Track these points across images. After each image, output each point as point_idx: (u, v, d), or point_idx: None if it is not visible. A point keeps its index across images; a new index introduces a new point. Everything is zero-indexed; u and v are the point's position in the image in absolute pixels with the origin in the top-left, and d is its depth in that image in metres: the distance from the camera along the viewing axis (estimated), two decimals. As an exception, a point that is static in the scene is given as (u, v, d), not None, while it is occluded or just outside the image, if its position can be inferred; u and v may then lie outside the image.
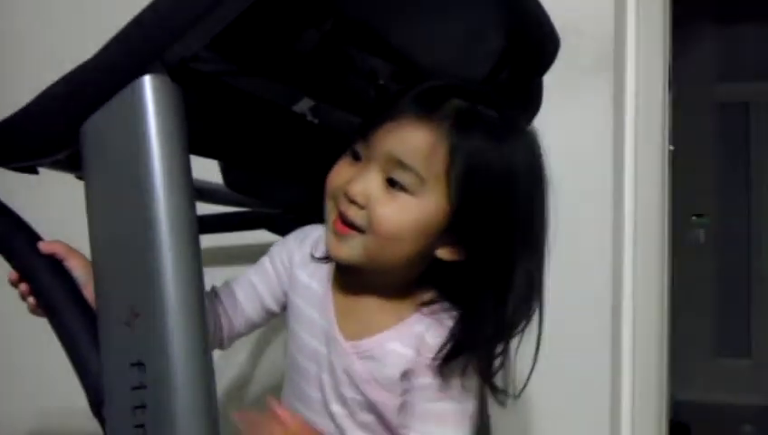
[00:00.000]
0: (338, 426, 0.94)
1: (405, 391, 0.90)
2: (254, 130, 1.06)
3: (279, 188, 1.24)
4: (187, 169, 0.75)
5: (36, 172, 0.86)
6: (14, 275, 0.85)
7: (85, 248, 0.79)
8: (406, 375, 0.90)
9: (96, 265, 0.77)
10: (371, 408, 0.92)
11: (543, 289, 0.90)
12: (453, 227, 0.87)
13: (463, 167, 0.85)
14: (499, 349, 0.90)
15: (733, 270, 3.61)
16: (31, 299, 0.84)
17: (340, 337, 0.93)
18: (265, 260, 1.02)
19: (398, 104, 0.88)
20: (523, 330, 0.90)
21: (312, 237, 0.99)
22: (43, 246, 0.83)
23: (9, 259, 0.84)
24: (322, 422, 0.94)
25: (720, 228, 3.62)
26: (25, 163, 0.83)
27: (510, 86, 1.04)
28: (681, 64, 2.52)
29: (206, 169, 1.08)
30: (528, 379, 0.93)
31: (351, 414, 0.93)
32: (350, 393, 0.92)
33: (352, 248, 0.88)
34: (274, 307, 1.02)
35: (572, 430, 1.63)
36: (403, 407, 0.91)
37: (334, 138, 0.94)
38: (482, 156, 0.85)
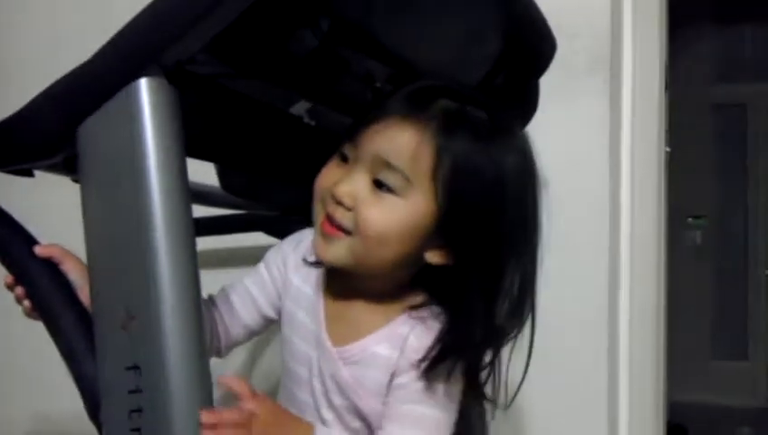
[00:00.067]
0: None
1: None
2: (251, 133, 1.06)
3: (275, 191, 1.24)
4: (183, 171, 0.74)
5: (32, 175, 0.86)
6: (9, 278, 0.85)
7: (81, 252, 0.79)
8: (392, 378, 0.89)
9: (92, 268, 0.77)
10: (359, 414, 0.91)
11: (535, 294, 0.89)
12: (441, 230, 0.86)
13: (450, 168, 0.84)
14: (489, 356, 0.89)
15: (730, 271, 3.62)
16: (26, 302, 0.84)
17: (327, 343, 0.93)
18: (261, 266, 1.02)
19: (385, 105, 0.88)
20: (515, 337, 0.89)
21: (306, 241, 0.98)
22: (39, 250, 0.83)
23: (5, 263, 0.84)
24: None
25: (717, 230, 3.63)
26: (21, 166, 0.83)
27: (506, 88, 1.04)
28: (678, 65, 2.53)
29: (203, 172, 1.08)
30: (520, 385, 0.92)
31: (341, 420, 0.92)
32: (338, 400, 0.92)
33: (339, 250, 0.87)
34: (271, 313, 1.01)
35: (570, 431, 1.64)
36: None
37: (331, 140, 0.94)
38: (469, 157, 0.84)
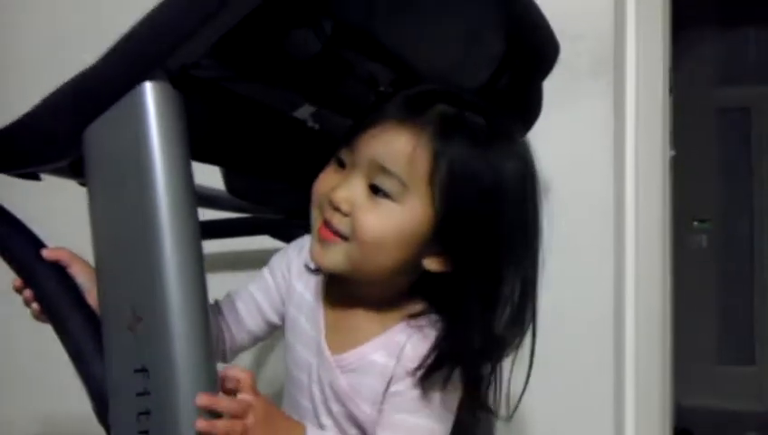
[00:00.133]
0: None
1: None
2: (256, 137, 1.07)
3: (280, 194, 1.24)
4: (188, 174, 0.75)
5: (39, 179, 0.87)
6: (18, 281, 0.85)
7: (88, 255, 0.79)
8: (388, 386, 0.88)
9: (99, 270, 0.77)
10: (356, 422, 0.91)
11: (536, 301, 0.88)
12: (439, 236, 0.85)
13: (446, 173, 0.83)
14: (489, 367, 0.88)
15: (735, 275, 3.60)
16: (35, 305, 0.84)
17: (326, 350, 0.92)
18: (265, 271, 1.02)
19: (382, 110, 0.87)
20: (516, 346, 0.88)
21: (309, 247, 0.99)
22: (46, 253, 0.83)
23: (13, 266, 0.84)
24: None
25: (722, 233, 3.61)
26: (28, 170, 0.84)
27: (510, 91, 1.05)
28: (682, 68, 2.52)
29: (208, 175, 1.08)
30: (522, 394, 0.92)
31: (339, 427, 0.92)
32: (335, 407, 0.92)
33: (336, 256, 0.86)
34: (276, 319, 1.01)
35: (576, 436, 1.63)
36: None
37: (334, 144, 0.94)
38: (466, 162, 0.84)
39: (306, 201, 0.91)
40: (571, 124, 1.54)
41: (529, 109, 1.15)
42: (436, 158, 0.83)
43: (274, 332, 1.03)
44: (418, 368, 0.86)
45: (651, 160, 1.65)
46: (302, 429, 0.86)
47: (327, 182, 0.88)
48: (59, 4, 1.92)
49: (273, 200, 1.29)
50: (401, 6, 0.90)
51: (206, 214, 0.95)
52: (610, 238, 1.60)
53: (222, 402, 0.74)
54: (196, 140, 0.76)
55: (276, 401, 1.00)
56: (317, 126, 1.12)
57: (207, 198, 1.25)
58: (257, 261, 1.06)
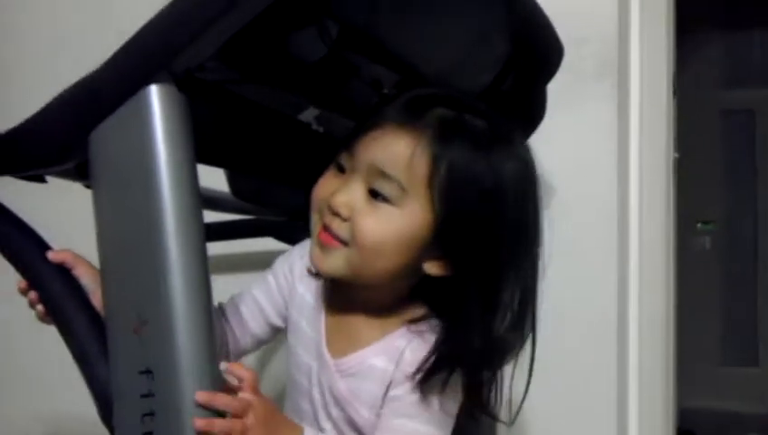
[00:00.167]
0: None
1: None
2: (260, 139, 1.07)
3: (284, 196, 1.24)
4: (193, 177, 0.75)
5: (45, 181, 0.87)
6: (23, 283, 0.85)
7: (93, 257, 0.80)
8: (387, 390, 0.88)
9: (104, 272, 0.77)
10: (354, 426, 0.91)
11: (537, 305, 0.88)
12: (439, 240, 0.85)
13: (446, 176, 0.82)
14: (489, 373, 0.88)
15: (739, 276, 3.60)
16: (40, 307, 0.85)
17: (327, 354, 0.92)
18: (269, 274, 1.02)
19: (381, 114, 0.87)
20: (518, 351, 0.88)
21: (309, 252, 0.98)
22: (51, 255, 0.84)
23: (18, 268, 0.84)
24: None
25: (726, 235, 3.61)
26: (34, 172, 0.84)
27: (514, 94, 1.05)
28: (686, 70, 2.52)
29: (213, 178, 1.09)
30: (524, 398, 0.91)
31: (339, 431, 0.92)
32: (335, 411, 0.92)
33: (336, 261, 0.86)
34: (279, 322, 1.01)
35: (579, 437, 1.63)
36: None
37: (339, 146, 0.94)
38: (466, 165, 0.83)
39: (308, 204, 0.91)
40: (576, 127, 1.54)
41: (533, 111, 1.15)
42: (435, 161, 0.83)
43: (278, 335, 1.03)
44: (417, 371, 0.85)
45: (655, 163, 1.65)
46: (301, 431, 0.85)
47: (326, 187, 0.88)
48: (59, 4, 1.92)
49: (277, 202, 1.29)
50: (406, 9, 0.90)
51: (210, 216, 0.95)
52: (614, 241, 1.60)
53: (221, 400, 0.74)
54: (201, 142, 0.76)
55: (279, 403, 1.01)
56: (321, 129, 1.13)
57: (211, 200, 1.26)
58: (261, 263, 1.06)
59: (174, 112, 0.73)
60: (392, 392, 0.87)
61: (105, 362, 0.76)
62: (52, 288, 0.82)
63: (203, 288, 0.74)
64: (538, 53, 1.06)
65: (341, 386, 0.90)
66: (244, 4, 0.70)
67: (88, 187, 0.79)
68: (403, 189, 0.83)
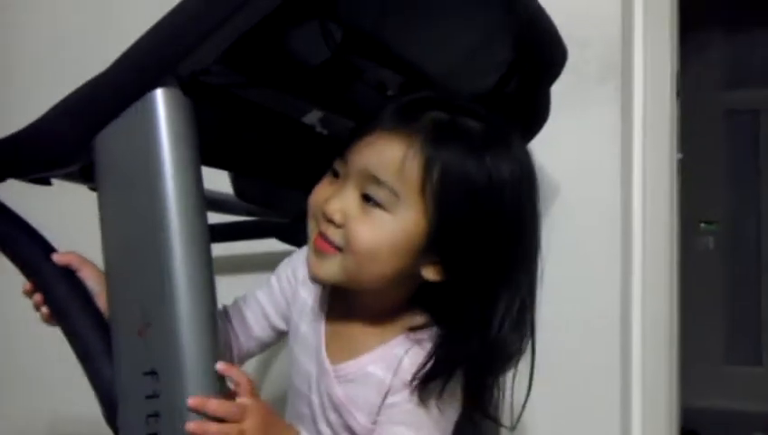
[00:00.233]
0: None
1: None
2: (264, 142, 1.07)
3: (288, 198, 1.24)
4: (198, 179, 0.76)
5: (50, 184, 0.87)
6: (28, 285, 0.85)
7: (98, 259, 0.80)
8: (384, 398, 0.87)
9: (109, 275, 0.78)
10: (352, 432, 0.90)
11: (535, 308, 0.87)
12: (434, 245, 0.84)
13: (439, 180, 0.82)
14: (490, 379, 0.88)
15: (742, 276, 3.59)
16: (44, 309, 0.85)
17: (326, 360, 0.92)
18: (272, 278, 1.02)
19: (375, 119, 0.86)
20: (519, 354, 0.87)
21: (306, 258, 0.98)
22: (56, 257, 0.84)
23: (23, 270, 0.85)
24: None
25: (729, 235, 3.60)
26: (39, 175, 0.85)
27: (518, 96, 1.05)
28: (689, 71, 2.52)
29: (217, 180, 1.09)
30: (525, 402, 0.91)
31: None
32: (333, 417, 0.91)
33: (332, 267, 0.86)
34: (282, 325, 1.01)
35: (582, 438, 1.63)
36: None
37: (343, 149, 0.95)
38: (460, 168, 0.82)
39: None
40: (579, 130, 1.54)
41: (536, 114, 1.15)
42: (427, 165, 0.82)
43: (282, 337, 1.04)
44: (415, 377, 0.85)
45: (659, 164, 1.64)
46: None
47: (321, 193, 0.88)
48: (60, 4, 1.92)
49: (281, 204, 1.29)
50: (410, 12, 0.90)
51: (214, 217, 0.95)
52: (618, 242, 1.60)
53: (212, 405, 0.73)
54: (206, 145, 0.76)
55: (280, 408, 1.01)
56: (325, 131, 1.13)
57: (215, 202, 1.26)
58: (264, 264, 1.06)
59: (179, 116, 0.74)
60: (390, 400, 0.87)
61: (110, 364, 0.76)
62: (58, 290, 0.82)
63: (207, 290, 0.74)
64: (542, 55, 1.06)
65: (339, 392, 0.90)
66: (255, 3, 0.70)
67: (93, 189, 0.80)
68: (396, 195, 0.83)
